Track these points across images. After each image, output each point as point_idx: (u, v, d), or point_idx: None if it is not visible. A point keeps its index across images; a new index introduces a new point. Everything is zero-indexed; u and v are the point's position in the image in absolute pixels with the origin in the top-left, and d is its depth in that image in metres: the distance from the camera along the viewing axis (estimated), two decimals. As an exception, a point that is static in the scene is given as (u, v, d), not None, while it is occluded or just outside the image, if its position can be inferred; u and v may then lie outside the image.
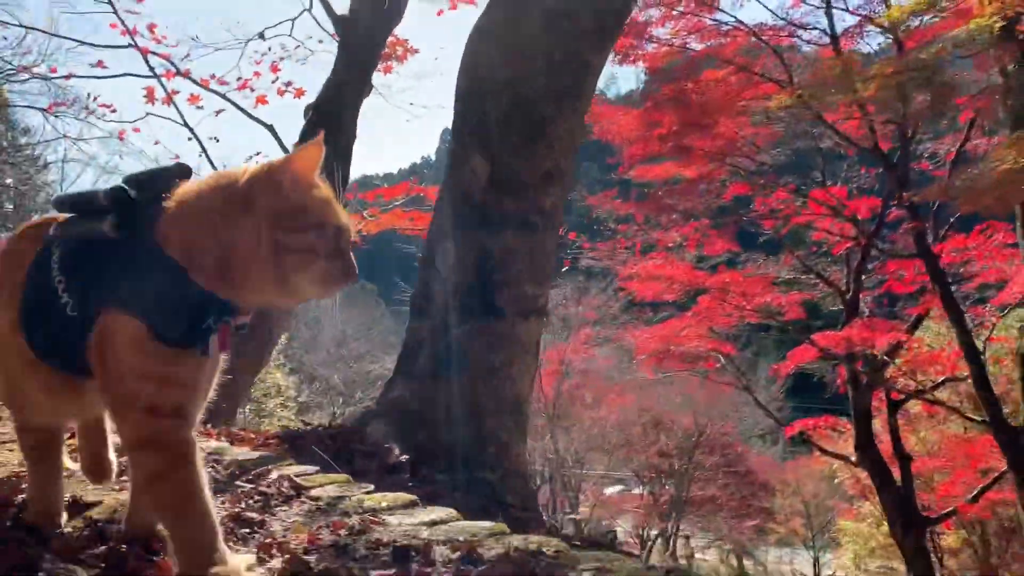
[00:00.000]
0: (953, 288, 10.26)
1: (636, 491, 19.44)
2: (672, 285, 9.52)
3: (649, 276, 9.69)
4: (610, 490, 19.88)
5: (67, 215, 1.57)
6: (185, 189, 1.48)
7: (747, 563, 20.84)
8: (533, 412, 17.22)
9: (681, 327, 9.97)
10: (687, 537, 20.81)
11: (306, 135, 4.96)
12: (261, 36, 6.51)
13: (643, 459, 18.00)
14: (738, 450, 20.67)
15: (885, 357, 9.46)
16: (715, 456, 19.42)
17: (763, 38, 9.54)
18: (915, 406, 13.15)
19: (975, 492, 10.85)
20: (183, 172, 1.54)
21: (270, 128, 4.48)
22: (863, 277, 11.90)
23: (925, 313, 11.01)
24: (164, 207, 1.45)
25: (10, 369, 1.66)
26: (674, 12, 10.44)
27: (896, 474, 10.56)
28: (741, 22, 9.85)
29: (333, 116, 4.74)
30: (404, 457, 2.85)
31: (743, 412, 20.68)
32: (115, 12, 6.97)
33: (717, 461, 19.49)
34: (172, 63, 6.45)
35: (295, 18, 6.27)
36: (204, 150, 4.82)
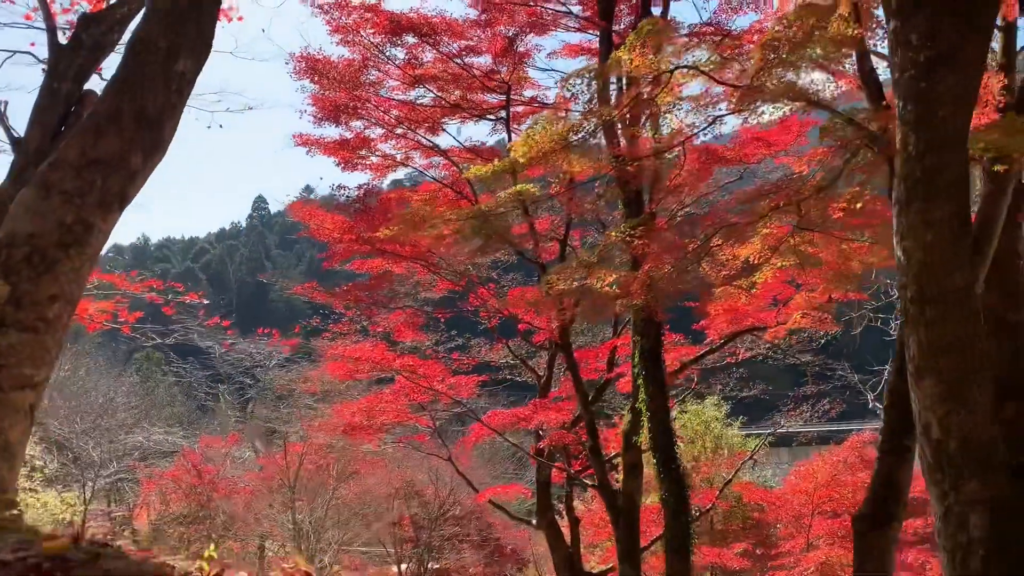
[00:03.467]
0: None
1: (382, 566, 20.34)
2: (362, 366, 10.90)
3: (348, 357, 11.06)
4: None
5: None
6: None
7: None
8: (277, 487, 17.88)
9: (378, 403, 11.36)
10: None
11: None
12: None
13: (386, 532, 18.99)
14: (489, 521, 22.06)
15: (541, 432, 11.24)
16: (464, 527, 20.70)
17: (453, 159, 11.42)
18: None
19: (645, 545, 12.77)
20: None
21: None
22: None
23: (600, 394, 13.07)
24: None
25: None
26: (395, 132, 12.20)
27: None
28: (437, 146, 11.76)
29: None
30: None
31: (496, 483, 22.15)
32: None
33: (466, 532, 20.78)
34: None
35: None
36: None
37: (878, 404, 13.68)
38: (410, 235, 8.63)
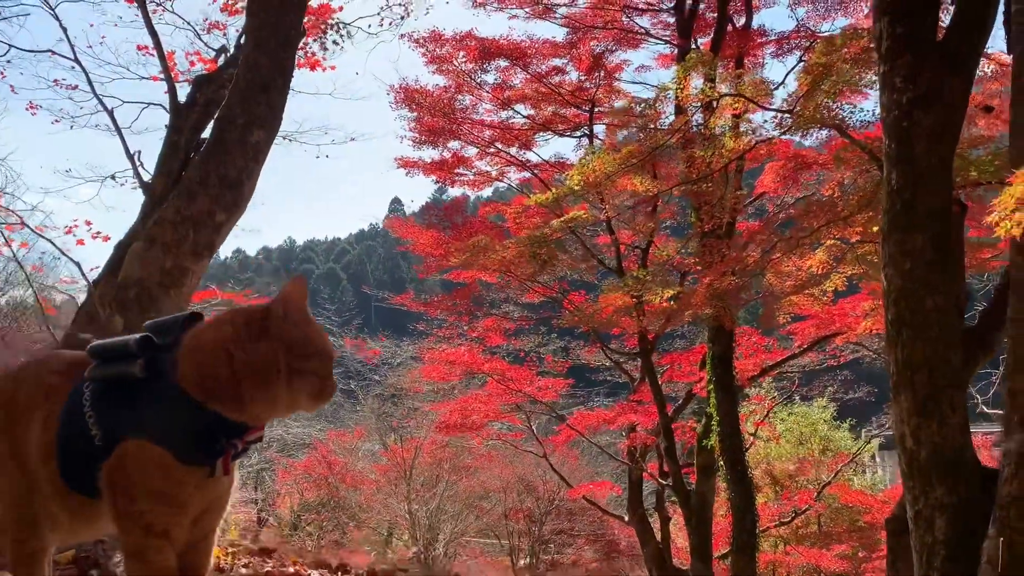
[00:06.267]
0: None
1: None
2: (455, 369, 11.81)
3: (442, 361, 12.02)
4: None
5: (97, 360, 1.76)
6: (197, 331, 1.71)
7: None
8: (395, 479, 19.11)
9: (472, 402, 12.27)
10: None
11: (110, 265, 7.13)
12: (112, 177, 8.85)
13: (499, 523, 19.98)
14: (601, 517, 22.62)
15: (624, 433, 11.79)
16: (575, 522, 21.35)
17: (540, 176, 12.18)
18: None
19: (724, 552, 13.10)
20: (196, 317, 1.78)
21: (77, 264, 6.70)
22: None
23: (689, 397, 13.46)
24: (180, 348, 1.69)
25: (34, 493, 1.81)
26: (488, 151, 13.06)
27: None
28: (528, 161, 12.54)
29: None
30: None
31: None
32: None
33: (578, 526, 21.42)
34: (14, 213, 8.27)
35: (132, 167, 8.49)
36: (29, 280, 6.95)
37: (985, 408, 13.40)
38: (479, 260, 9.40)
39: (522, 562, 20.90)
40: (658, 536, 12.65)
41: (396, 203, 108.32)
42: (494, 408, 12.45)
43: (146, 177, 7.55)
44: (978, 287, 12.27)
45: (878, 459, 20.40)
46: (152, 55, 9.76)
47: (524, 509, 20.55)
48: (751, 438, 14.02)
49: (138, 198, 9.70)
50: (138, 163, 7.65)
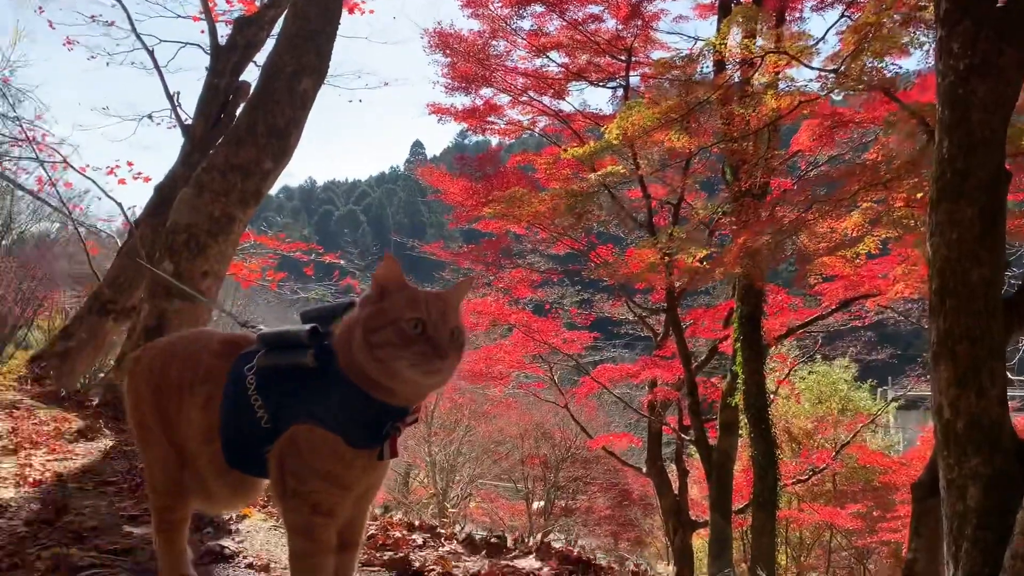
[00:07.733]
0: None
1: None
2: (482, 320, 11.89)
3: (468, 311, 12.08)
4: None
5: (265, 348, 1.79)
6: (344, 321, 1.75)
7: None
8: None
9: (497, 352, 12.38)
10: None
11: (151, 206, 7.22)
12: (149, 117, 8.86)
13: (516, 469, 20.29)
14: (615, 466, 22.87)
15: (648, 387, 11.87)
16: (590, 470, 21.61)
17: (572, 126, 12.07)
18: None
19: (743, 505, 13.26)
20: (351, 305, 1.79)
21: (119, 204, 6.76)
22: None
23: (713, 354, 13.50)
24: (335, 339, 1.74)
25: (184, 468, 1.94)
26: (521, 99, 12.94)
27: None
28: (561, 111, 12.43)
29: (171, 198, 6.98)
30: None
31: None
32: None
33: (593, 475, 21.69)
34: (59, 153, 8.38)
35: (172, 108, 8.49)
36: (75, 224, 7.09)
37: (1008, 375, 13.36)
38: (513, 212, 9.38)
39: (536, 505, 21.21)
40: (675, 488, 12.82)
41: (418, 147, 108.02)
42: (518, 358, 12.55)
43: (184, 118, 7.60)
44: (1009, 253, 12.14)
45: (892, 420, 20.44)
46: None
47: (540, 456, 20.80)
48: (772, 396, 14.09)
49: (175, 138, 9.68)
50: (177, 104, 7.67)
